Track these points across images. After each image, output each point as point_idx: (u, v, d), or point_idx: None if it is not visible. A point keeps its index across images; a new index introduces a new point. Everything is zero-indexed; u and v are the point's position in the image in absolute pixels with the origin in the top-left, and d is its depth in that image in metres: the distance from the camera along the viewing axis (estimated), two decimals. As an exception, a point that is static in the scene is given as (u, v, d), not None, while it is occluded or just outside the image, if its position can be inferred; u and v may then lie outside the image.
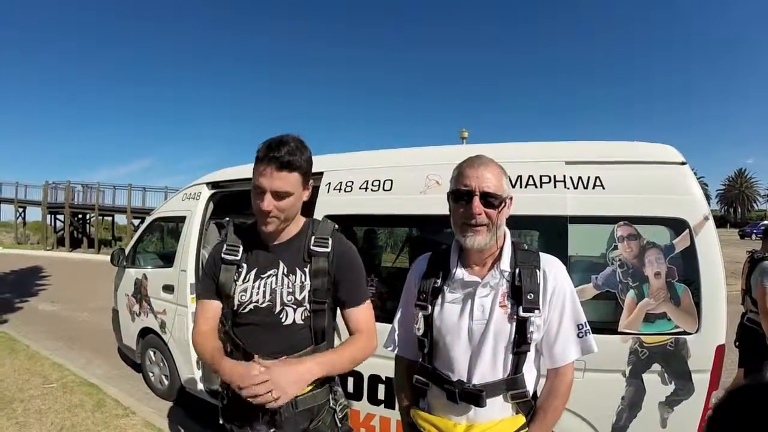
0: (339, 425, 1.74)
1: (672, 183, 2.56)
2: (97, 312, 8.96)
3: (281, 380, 1.44)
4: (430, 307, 1.54)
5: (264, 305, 1.65)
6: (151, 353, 4.93)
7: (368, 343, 1.70)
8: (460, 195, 1.47)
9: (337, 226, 1.80)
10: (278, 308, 1.64)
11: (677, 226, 2.49)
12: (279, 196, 1.57)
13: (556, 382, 1.50)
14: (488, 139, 44.31)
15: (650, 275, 2.47)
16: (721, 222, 71.81)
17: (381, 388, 2.93)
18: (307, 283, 1.66)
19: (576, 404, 2.38)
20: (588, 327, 1.51)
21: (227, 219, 1.82)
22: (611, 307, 2.51)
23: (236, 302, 1.67)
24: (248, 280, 1.67)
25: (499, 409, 1.46)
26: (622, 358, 2.47)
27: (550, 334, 1.49)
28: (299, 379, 1.50)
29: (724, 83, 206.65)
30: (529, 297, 1.44)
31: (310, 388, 1.62)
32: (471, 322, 1.47)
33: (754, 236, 40.67)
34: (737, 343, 4.26)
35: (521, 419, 1.48)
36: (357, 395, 3.02)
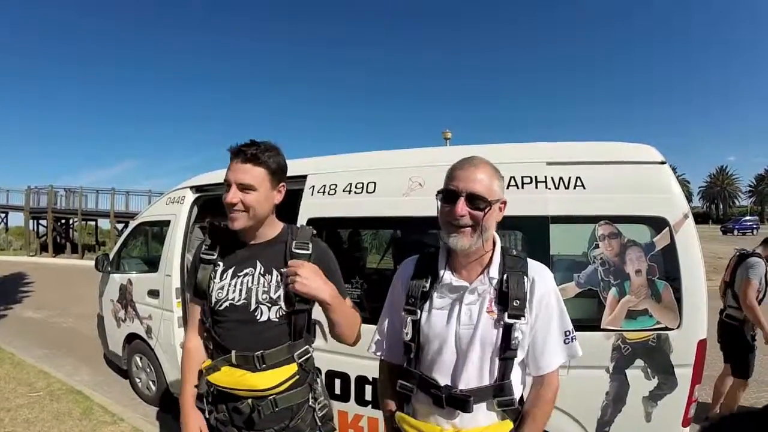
0: (319, 424, 1.78)
1: (652, 182, 2.60)
2: (82, 318, 8.82)
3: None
4: (419, 312, 1.52)
5: (239, 303, 1.69)
6: (138, 359, 4.89)
7: (359, 333, 1.82)
8: (447, 195, 1.45)
9: (315, 231, 1.85)
10: (253, 306, 1.69)
11: (657, 224, 2.53)
12: (244, 188, 1.62)
13: (543, 390, 1.51)
14: (472, 140, 44.58)
15: (631, 273, 2.51)
16: (703, 218, 73.15)
17: (368, 389, 2.94)
18: (283, 283, 1.68)
19: (561, 401, 2.39)
20: (574, 333, 1.51)
21: (207, 220, 1.85)
22: (593, 304, 2.55)
23: (214, 299, 1.71)
24: (225, 278, 1.72)
25: (485, 415, 1.46)
26: (606, 355, 2.51)
27: (536, 343, 1.49)
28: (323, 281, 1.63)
29: (705, 81, 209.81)
30: (515, 303, 1.43)
31: (288, 385, 1.69)
32: (458, 327, 1.46)
33: (736, 232, 41.40)
34: (720, 341, 4.33)
35: (509, 424, 1.47)
36: (344, 396, 3.02)
